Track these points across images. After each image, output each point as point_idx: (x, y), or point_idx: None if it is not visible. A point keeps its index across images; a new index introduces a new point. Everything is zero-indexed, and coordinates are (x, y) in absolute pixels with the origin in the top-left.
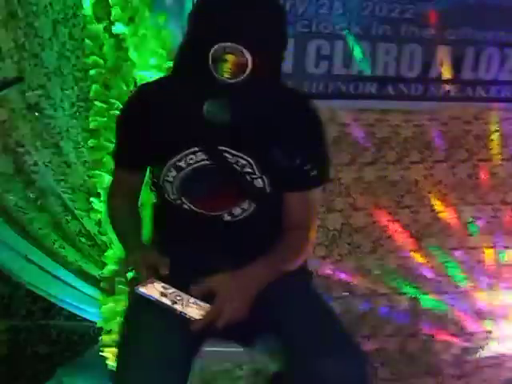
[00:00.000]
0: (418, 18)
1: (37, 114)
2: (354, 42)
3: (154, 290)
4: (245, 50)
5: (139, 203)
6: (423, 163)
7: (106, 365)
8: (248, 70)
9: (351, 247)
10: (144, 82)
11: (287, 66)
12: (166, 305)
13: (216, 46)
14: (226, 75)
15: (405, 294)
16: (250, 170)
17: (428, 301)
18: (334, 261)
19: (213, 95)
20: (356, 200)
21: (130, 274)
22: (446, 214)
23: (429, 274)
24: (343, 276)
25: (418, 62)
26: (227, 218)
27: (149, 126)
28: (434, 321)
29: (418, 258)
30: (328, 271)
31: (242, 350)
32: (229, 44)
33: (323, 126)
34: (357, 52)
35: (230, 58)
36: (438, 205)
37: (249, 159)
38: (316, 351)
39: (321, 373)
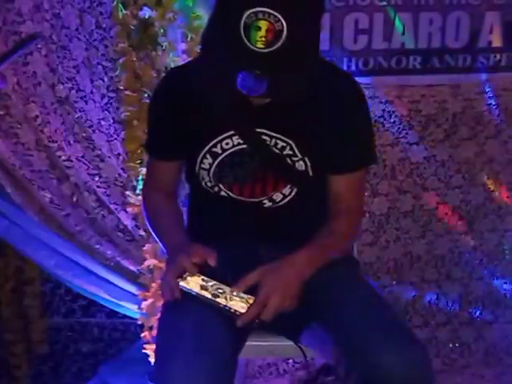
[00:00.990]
0: None
1: (67, 107)
2: (395, 14)
3: (193, 283)
4: (279, 16)
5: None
6: (474, 140)
7: (149, 362)
8: (283, 38)
9: (399, 232)
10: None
11: (324, 42)
12: (208, 298)
13: (248, 12)
14: (260, 44)
15: (457, 280)
16: (290, 152)
17: (482, 286)
18: (381, 247)
19: (246, 67)
20: (402, 182)
21: None
22: (500, 194)
23: (482, 258)
24: (391, 263)
25: (465, 30)
26: (267, 204)
27: (180, 113)
28: (489, 307)
29: (469, 241)
30: (375, 259)
31: (288, 343)
32: (261, 9)
33: (367, 104)
34: (398, 24)
35: (263, 24)
36: (490, 184)
37: (288, 140)
38: (374, 342)
39: (382, 364)
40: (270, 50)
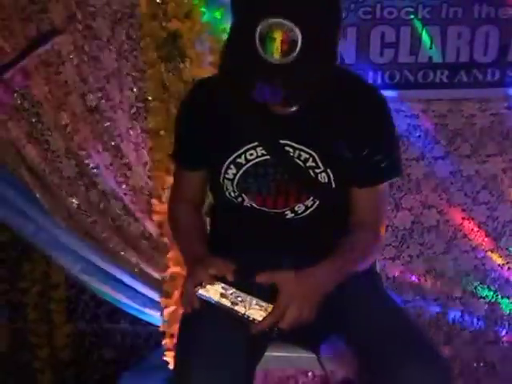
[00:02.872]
0: None
1: (97, 116)
2: (422, 27)
3: (213, 291)
4: (293, 26)
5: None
6: (501, 156)
7: (170, 369)
8: (298, 47)
9: (423, 248)
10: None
11: (350, 55)
12: (227, 306)
13: (262, 23)
14: (276, 55)
15: (482, 297)
16: (313, 164)
17: (508, 305)
18: (403, 262)
19: (262, 78)
20: (427, 197)
21: None
22: None
23: (509, 276)
24: (414, 279)
25: (494, 45)
26: (290, 215)
27: (206, 124)
28: None
29: (496, 258)
30: (397, 273)
31: (307, 355)
32: (275, 20)
33: (392, 117)
34: (425, 37)
35: (277, 34)
36: None
37: (312, 152)
38: (397, 357)
39: (404, 379)
40: (286, 60)
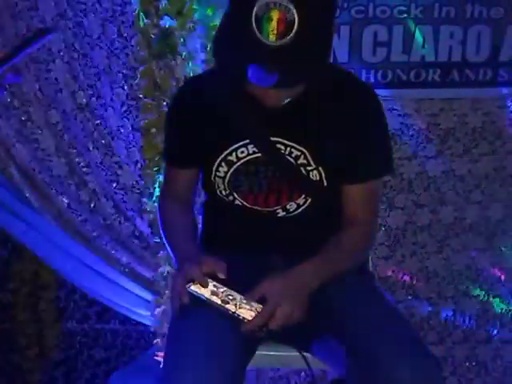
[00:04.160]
0: None
1: (87, 114)
2: (415, 26)
3: (204, 288)
4: (291, 6)
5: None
6: (494, 155)
7: (161, 369)
8: (295, 29)
9: (415, 247)
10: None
11: (343, 54)
12: (217, 304)
13: (259, 3)
14: (272, 36)
15: (474, 297)
16: (304, 162)
17: (500, 304)
18: (396, 262)
19: (257, 60)
20: (420, 196)
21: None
22: None
23: (501, 276)
24: (406, 278)
25: (487, 44)
26: (281, 213)
27: (196, 122)
28: (507, 326)
29: (488, 258)
30: (390, 273)
31: (299, 354)
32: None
33: (384, 115)
34: (417, 37)
35: (274, 14)
36: (510, 200)
37: (303, 149)
38: (388, 356)
39: (394, 379)
40: (282, 42)
